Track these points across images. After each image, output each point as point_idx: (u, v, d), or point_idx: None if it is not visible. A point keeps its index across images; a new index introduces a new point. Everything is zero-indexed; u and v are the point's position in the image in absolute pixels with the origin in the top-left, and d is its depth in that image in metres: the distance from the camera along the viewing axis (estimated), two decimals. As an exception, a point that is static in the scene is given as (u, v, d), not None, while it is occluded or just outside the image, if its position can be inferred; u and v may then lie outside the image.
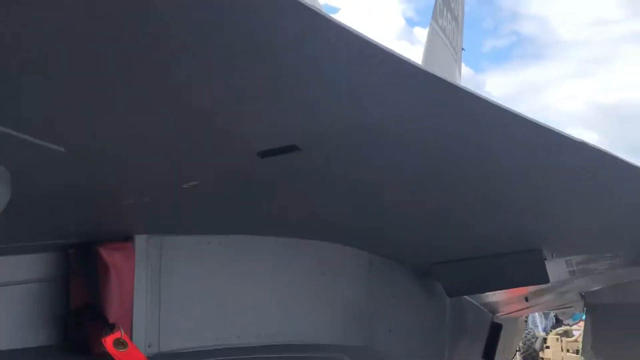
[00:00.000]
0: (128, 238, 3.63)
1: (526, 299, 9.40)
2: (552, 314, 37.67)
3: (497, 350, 10.99)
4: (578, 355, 25.09)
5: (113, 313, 3.49)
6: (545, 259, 5.91)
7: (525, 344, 28.10)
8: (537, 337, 28.50)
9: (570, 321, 31.18)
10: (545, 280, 5.98)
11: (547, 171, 4.15)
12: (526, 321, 21.27)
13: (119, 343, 3.39)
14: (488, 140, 3.56)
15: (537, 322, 35.84)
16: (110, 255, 3.52)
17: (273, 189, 3.53)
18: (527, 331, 28.67)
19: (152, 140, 2.62)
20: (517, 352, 27.00)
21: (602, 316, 12.72)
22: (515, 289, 8.39)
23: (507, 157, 3.86)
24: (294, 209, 4.03)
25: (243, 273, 4.19)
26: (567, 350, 26.23)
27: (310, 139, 2.91)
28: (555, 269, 6.51)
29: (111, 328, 3.41)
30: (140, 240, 3.66)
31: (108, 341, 3.37)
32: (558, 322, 32.44)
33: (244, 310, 4.16)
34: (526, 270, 5.91)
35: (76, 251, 3.53)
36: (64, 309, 3.53)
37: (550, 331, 29.80)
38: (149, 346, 3.62)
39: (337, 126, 2.91)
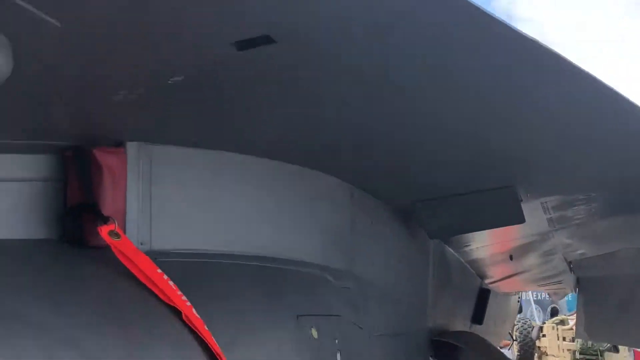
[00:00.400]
0: (120, 144, 3.94)
1: (511, 257, 9.70)
2: (549, 308, 38.09)
3: (489, 325, 11.25)
4: (574, 343, 25.40)
5: (107, 211, 3.79)
6: (521, 200, 6.22)
7: (522, 333, 28.39)
8: (534, 327, 28.77)
9: (566, 312, 31.49)
10: (521, 219, 6.28)
11: (516, 95, 4.40)
12: (519, 301, 21.55)
13: (113, 234, 3.69)
14: (458, 62, 3.80)
15: (535, 315, 36.22)
16: (104, 158, 3.83)
17: (254, 96, 3.83)
18: (523, 321, 28.97)
19: (138, 21, 2.91)
20: (514, 342, 27.31)
21: (594, 293, 12.98)
22: (498, 242, 8.71)
23: (474, 76, 4.12)
24: (276, 126, 4.33)
25: (230, 188, 4.49)
26: (564, 339, 26.48)
27: (284, 29, 3.17)
28: (533, 214, 6.81)
29: (105, 220, 3.71)
30: (131, 148, 3.96)
31: (103, 231, 3.67)
32: (554, 315, 32.82)
33: (230, 222, 4.47)
34: (502, 208, 6.21)
35: (72, 154, 3.83)
36: (61, 207, 3.83)
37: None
38: (141, 244, 3.91)
39: (317, 16, 3.13)
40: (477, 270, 10.24)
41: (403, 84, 4.04)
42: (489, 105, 4.52)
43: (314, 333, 4.53)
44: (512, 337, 26.40)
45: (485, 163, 5.59)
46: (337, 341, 4.79)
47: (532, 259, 10.35)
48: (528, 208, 6.40)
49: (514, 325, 26.40)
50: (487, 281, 11.12)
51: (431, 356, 7.43)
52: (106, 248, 3.69)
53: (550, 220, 7.52)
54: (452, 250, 8.52)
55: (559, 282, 14.34)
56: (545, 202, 6.84)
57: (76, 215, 3.80)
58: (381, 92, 4.13)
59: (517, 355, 27.50)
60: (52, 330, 2.84)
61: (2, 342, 2.58)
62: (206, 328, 3.63)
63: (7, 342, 2.60)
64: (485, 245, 8.80)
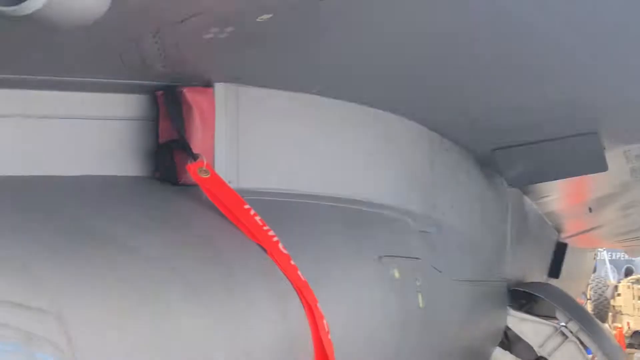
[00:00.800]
0: (209, 85, 4.02)
1: (590, 210, 9.57)
2: (623, 268, 37.49)
3: (564, 280, 11.15)
4: (650, 302, 25.05)
5: (196, 149, 3.89)
6: (604, 148, 6.14)
7: (596, 292, 28.06)
8: (609, 286, 28.41)
9: (642, 272, 30.95)
10: (604, 167, 6.20)
11: (601, 37, 4.33)
12: (595, 257, 21.28)
13: (203, 171, 3.79)
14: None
15: (609, 274, 35.72)
16: (194, 97, 3.92)
17: (339, 37, 3.86)
18: (598, 280, 28.63)
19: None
20: (588, 300, 27.02)
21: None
22: (577, 193, 8.61)
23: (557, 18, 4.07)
24: (359, 69, 4.37)
25: (313, 130, 4.56)
26: (639, 298, 26.07)
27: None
28: (615, 162, 6.71)
29: (195, 158, 3.81)
30: (219, 88, 4.04)
31: (192, 168, 3.77)
32: (628, 275, 32.33)
33: (314, 163, 4.54)
34: (584, 156, 6.15)
35: (163, 93, 3.93)
36: (153, 145, 3.95)
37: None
38: (229, 182, 4.00)
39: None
40: (554, 222, 10.15)
41: (485, 29, 4.03)
42: (572, 49, 4.47)
43: (396, 273, 4.59)
44: (586, 296, 26.13)
45: (567, 109, 5.54)
46: (418, 283, 4.84)
47: (611, 212, 10.18)
48: (610, 156, 6.31)
49: (588, 284, 26.11)
50: (564, 235, 11.00)
51: (509, 305, 7.43)
52: (196, 185, 3.79)
53: (632, 170, 7.39)
54: (530, 201, 8.46)
55: (638, 239, 14.11)
56: (629, 150, 6.73)
57: (167, 153, 3.91)
58: (462, 37, 4.13)
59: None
60: (155, 258, 2.96)
61: (110, 270, 2.70)
62: (292, 263, 3.72)
63: (115, 270, 2.71)
64: (564, 196, 8.70)
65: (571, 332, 7.28)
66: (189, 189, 3.83)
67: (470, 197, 6.43)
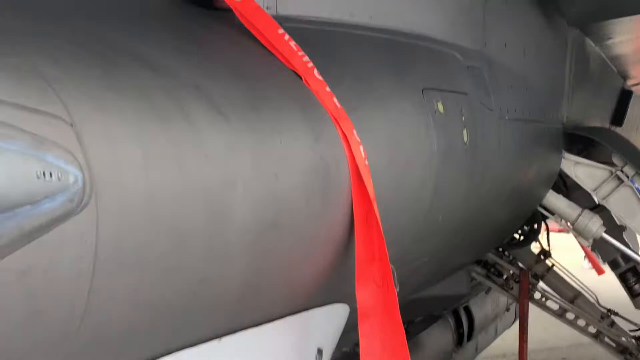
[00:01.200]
0: None
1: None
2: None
3: (629, 130, 10.85)
4: None
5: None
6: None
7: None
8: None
9: None
10: None
11: None
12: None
13: (238, -6, 3.66)
14: None
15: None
16: None
17: None
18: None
19: None
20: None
21: None
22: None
23: None
24: None
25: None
26: None
27: None
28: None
29: (234, -17, 3.67)
30: None
31: (226, -9, 3.65)
32: None
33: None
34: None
35: None
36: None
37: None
38: (266, 8, 3.88)
39: None
40: (619, 68, 9.76)
41: None
42: None
43: (440, 107, 4.48)
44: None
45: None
46: (464, 118, 4.73)
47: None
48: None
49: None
50: (630, 82, 10.62)
51: (565, 149, 7.26)
52: (230, 10, 3.67)
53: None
54: (592, 43, 8.12)
55: None
56: None
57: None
58: None
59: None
60: (177, 75, 2.88)
61: (129, 84, 2.64)
62: (328, 90, 3.63)
63: (134, 84, 2.66)
64: (629, 38, 8.31)
65: (627, 176, 7.12)
66: (222, 13, 3.71)
67: (527, 36, 6.19)
